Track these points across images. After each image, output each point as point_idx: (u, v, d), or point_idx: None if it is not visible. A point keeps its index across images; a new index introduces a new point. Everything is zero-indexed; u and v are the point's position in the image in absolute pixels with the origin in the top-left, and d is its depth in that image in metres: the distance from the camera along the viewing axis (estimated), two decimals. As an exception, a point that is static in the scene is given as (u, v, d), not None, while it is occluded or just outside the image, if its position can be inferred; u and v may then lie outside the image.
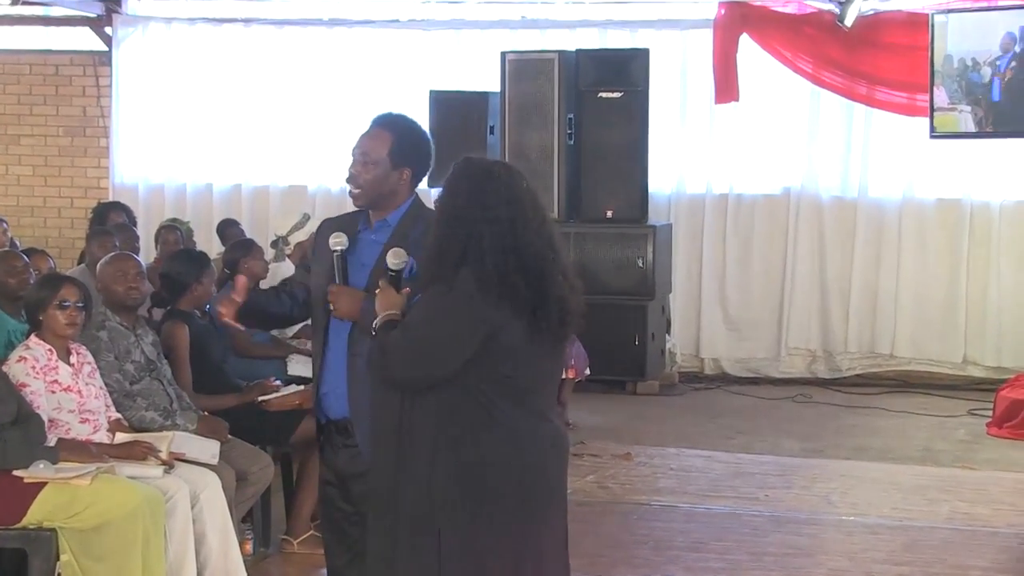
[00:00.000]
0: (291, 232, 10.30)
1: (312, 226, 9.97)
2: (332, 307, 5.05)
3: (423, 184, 5.39)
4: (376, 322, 4.63)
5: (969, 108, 11.53)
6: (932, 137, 11.84)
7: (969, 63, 11.49)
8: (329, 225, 5.34)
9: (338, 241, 5.11)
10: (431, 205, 4.91)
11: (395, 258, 4.81)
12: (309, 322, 9.76)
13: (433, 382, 4.43)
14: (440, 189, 4.66)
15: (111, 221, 10.83)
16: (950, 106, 11.59)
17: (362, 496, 5.02)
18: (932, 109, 11.62)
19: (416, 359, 4.44)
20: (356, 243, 5.17)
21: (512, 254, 4.40)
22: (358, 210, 5.27)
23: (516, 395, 4.46)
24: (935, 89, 11.54)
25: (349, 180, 5.20)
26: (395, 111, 5.38)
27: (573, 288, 4.55)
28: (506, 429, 4.44)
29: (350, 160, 5.21)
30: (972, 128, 11.59)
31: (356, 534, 5.12)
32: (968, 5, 11.84)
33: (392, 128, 5.21)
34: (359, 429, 5.05)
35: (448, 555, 4.44)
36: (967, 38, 11.50)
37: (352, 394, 5.06)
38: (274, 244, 10.55)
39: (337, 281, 5.07)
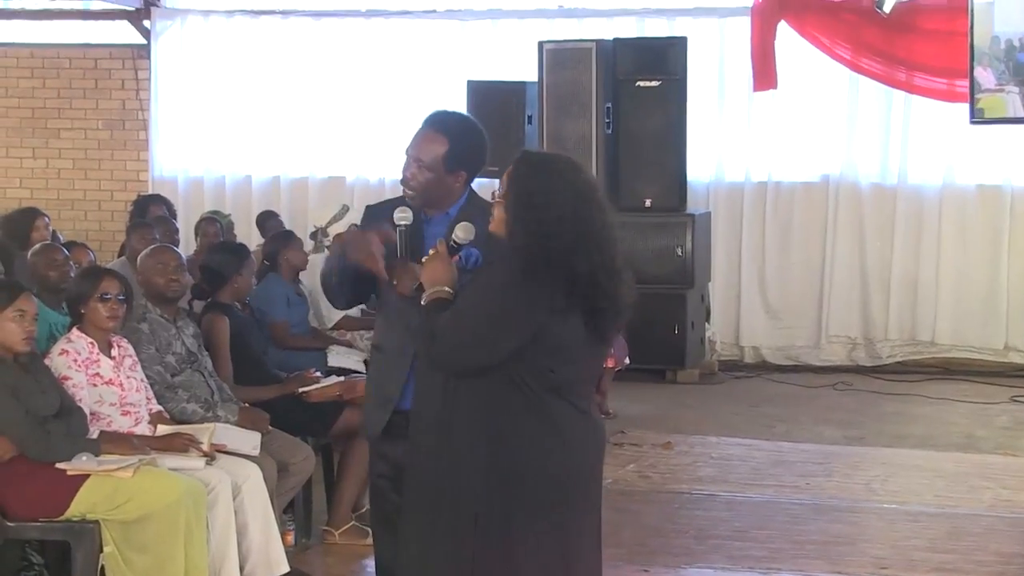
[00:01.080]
0: (330, 223, 10.31)
1: (352, 217, 9.95)
2: (394, 282, 4.96)
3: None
4: (424, 297, 4.59)
5: (1017, 89, 11.42)
6: (973, 122, 11.75)
7: (1016, 43, 11.40)
8: (373, 211, 5.31)
9: (403, 216, 5.03)
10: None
11: (464, 232, 4.71)
12: (348, 313, 9.83)
13: (478, 371, 4.43)
14: (501, 186, 4.56)
15: (151, 214, 10.89)
16: (997, 87, 11.49)
17: (400, 490, 4.97)
18: (972, 94, 11.54)
19: (461, 350, 4.43)
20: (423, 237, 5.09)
21: (596, 255, 4.38)
22: (400, 197, 5.23)
23: (558, 388, 4.45)
24: (982, 70, 11.44)
25: (403, 182, 5.15)
26: (449, 109, 5.35)
27: (628, 282, 4.54)
28: (546, 420, 4.45)
29: (403, 158, 5.14)
30: (1021, 109, 11.47)
31: None
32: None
33: (447, 131, 5.12)
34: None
35: (482, 543, 4.45)
36: (1014, 18, 11.40)
37: (416, 387, 4.93)
38: (313, 235, 10.58)
39: (400, 255, 4.99)
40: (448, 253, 4.65)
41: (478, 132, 5.22)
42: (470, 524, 4.45)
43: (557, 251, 4.37)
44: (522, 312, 4.37)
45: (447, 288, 4.57)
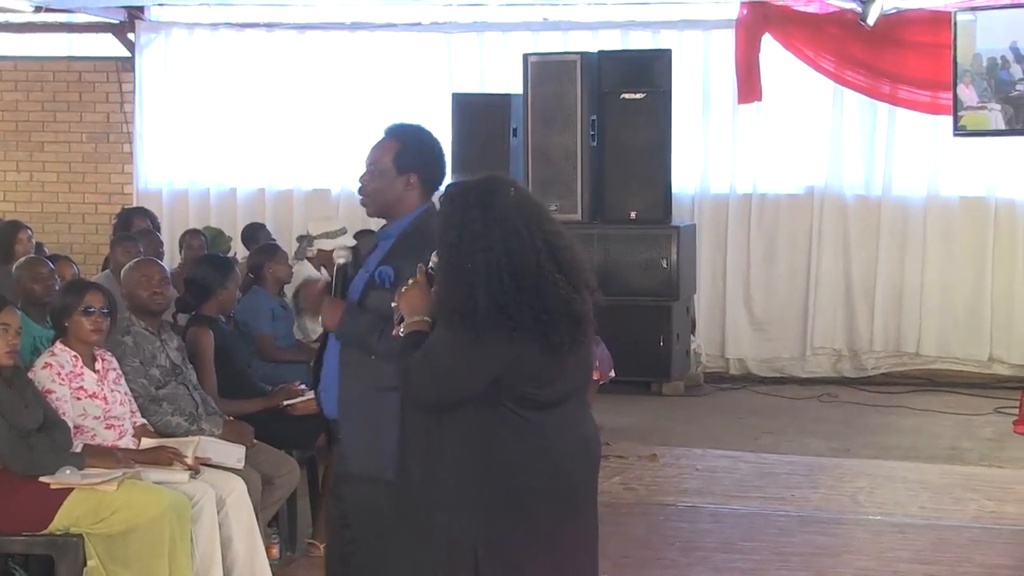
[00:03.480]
0: (320, 236, 10.23)
1: (343, 240, 9.77)
2: (320, 318, 5.30)
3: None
4: (402, 327, 4.58)
5: (999, 106, 11.45)
6: (956, 135, 11.79)
7: (999, 61, 11.43)
8: (364, 236, 5.55)
9: (342, 255, 5.33)
10: None
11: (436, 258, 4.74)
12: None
13: (453, 405, 4.41)
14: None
15: (135, 227, 10.87)
16: (980, 104, 11.51)
17: (341, 496, 5.32)
18: (956, 107, 11.57)
19: (437, 385, 4.41)
20: (376, 248, 5.33)
21: (509, 278, 4.32)
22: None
23: (542, 407, 4.43)
24: (964, 87, 11.48)
25: (359, 191, 5.37)
26: (408, 121, 5.52)
27: (587, 284, 4.49)
28: (535, 437, 4.41)
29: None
30: (1002, 126, 11.51)
31: (348, 536, 5.36)
32: (996, 3, 11.75)
33: (398, 136, 5.34)
34: (346, 433, 5.26)
35: (486, 568, 4.42)
36: (996, 35, 11.42)
37: (341, 399, 5.26)
38: (300, 239, 10.53)
39: (332, 294, 5.26)
40: (427, 282, 4.62)
41: (430, 136, 5.40)
42: (469, 553, 4.41)
43: (476, 287, 4.34)
44: (486, 350, 4.34)
45: (426, 318, 4.55)
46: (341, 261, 5.29)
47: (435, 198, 5.17)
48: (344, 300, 5.24)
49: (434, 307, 4.52)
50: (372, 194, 5.32)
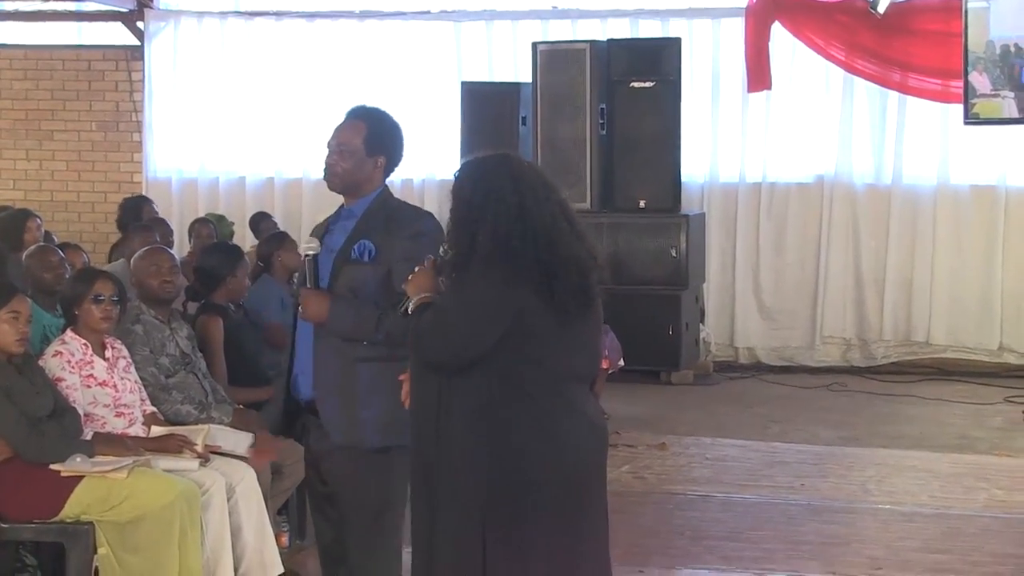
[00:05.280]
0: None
1: None
2: (300, 310, 5.32)
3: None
4: (410, 305, 4.68)
5: (1012, 94, 11.43)
6: (967, 123, 11.77)
7: (1012, 49, 11.40)
8: (317, 230, 5.62)
9: (310, 246, 5.40)
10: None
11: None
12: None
13: (467, 362, 4.45)
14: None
15: (146, 215, 10.85)
16: (993, 92, 11.48)
17: (331, 474, 5.39)
18: (966, 95, 11.54)
19: (447, 341, 4.48)
20: (331, 232, 5.47)
21: (518, 223, 4.45)
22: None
23: (552, 383, 4.46)
24: (977, 75, 11.45)
25: (326, 170, 5.45)
26: (368, 104, 5.63)
27: (592, 252, 4.56)
28: (540, 419, 4.45)
29: (326, 151, 5.46)
30: (1016, 114, 11.48)
31: (335, 514, 5.45)
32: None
33: (365, 118, 5.46)
34: (324, 407, 5.33)
35: (492, 548, 4.44)
36: (1009, 23, 11.40)
37: (317, 373, 5.33)
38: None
39: (308, 285, 5.32)
40: (435, 269, 4.74)
41: (393, 121, 5.54)
42: (478, 529, 4.45)
43: (481, 232, 4.47)
44: (492, 305, 4.42)
45: (429, 295, 4.67)
46: (311, 253, 5.37)
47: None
48: (324, 290, 5.31)
49: (439, 288, 4.65)
50: (343, 174, 5.41)
